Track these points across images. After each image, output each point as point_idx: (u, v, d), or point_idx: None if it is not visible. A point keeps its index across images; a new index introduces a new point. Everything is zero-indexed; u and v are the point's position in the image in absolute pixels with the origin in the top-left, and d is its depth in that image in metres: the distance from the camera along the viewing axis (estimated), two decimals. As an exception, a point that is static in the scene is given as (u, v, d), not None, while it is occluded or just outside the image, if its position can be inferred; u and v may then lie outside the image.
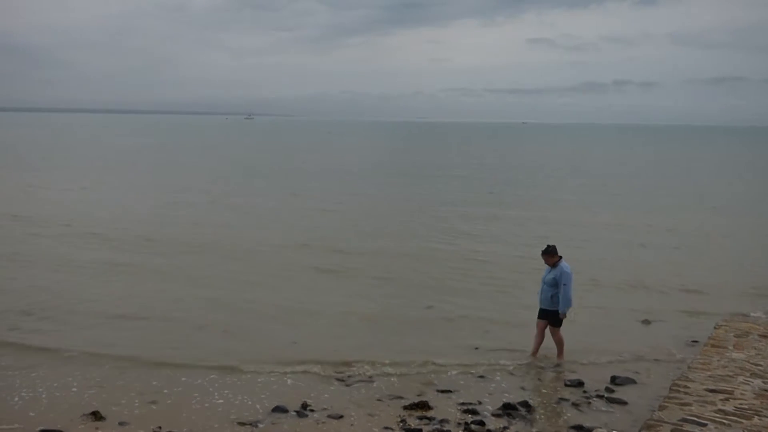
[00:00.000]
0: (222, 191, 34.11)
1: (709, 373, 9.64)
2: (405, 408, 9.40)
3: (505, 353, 11.74)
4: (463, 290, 15.72)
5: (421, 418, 9.11)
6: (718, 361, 10.16)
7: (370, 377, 10.61)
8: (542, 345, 11.60)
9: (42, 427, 8.62)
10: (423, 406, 9.44)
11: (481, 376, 10.72)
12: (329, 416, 9.14)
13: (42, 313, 13.49)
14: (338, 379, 10.51)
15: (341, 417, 9.12)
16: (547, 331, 11.44)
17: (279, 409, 9.27)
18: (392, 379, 10.58)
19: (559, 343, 11.47)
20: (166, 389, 10.04)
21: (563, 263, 11.24)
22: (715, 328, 12.08)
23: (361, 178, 42.44)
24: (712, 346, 10.95)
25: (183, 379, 10.42)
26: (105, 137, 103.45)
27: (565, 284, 11.04)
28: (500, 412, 9.30)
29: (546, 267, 11.45)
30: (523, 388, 10.27)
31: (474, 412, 9.30)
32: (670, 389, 9.09)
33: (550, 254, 11.32)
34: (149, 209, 27.57)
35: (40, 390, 9.87)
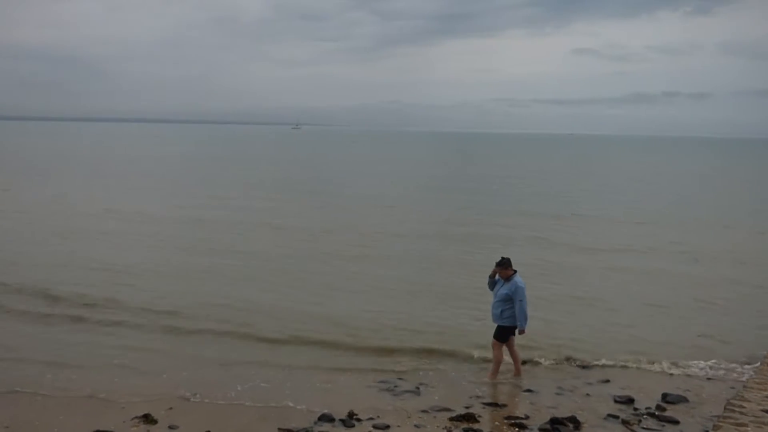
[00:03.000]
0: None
1: (766, 393, 9.34)
2: (451, 420, 9.35)
3: (553, 368, 11.61)
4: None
5: (467, 430, 9.04)
6: (775, 380, 9.86)
7: (416, 388, 10.59)
8: (585, 363, 11.48)
9: (96, 428, 8.84)
10: (469, 418, 9.38)
11: (529, 390, 10.60)
12: (375, 426, 9.13)
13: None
14: (385, 389, 10.53)
15: (387, 427, 9.11)
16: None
17: (325, 417, 9.30)
18: (439, 390, 10.55)
19: (496, 361, 11.03)
20: (212, 393, 10.18)
21: (517, 277, 10.84)
22: (772, 346, 11.75)
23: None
24: (770, 365, 10.65)
25: (228, 387, 10.53)
26: (178, 148, 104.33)
27: (521, 300, 10.66)
28: (548, 426, 9.16)
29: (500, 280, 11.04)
30: (571, 403, 10.11)
31: (521, 426, 9.20)
32: (725, 409, 8.84)
33: (504, 267, 10.90)
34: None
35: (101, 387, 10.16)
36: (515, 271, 10.93)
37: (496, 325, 10.99)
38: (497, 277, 11.09)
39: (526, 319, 10.76)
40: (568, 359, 11.95)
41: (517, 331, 10.91)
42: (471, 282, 16.16)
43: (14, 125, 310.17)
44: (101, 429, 8.81)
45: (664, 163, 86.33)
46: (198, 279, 17.27)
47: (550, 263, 19.47)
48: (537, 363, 11.81)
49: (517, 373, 11.16)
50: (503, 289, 10.86)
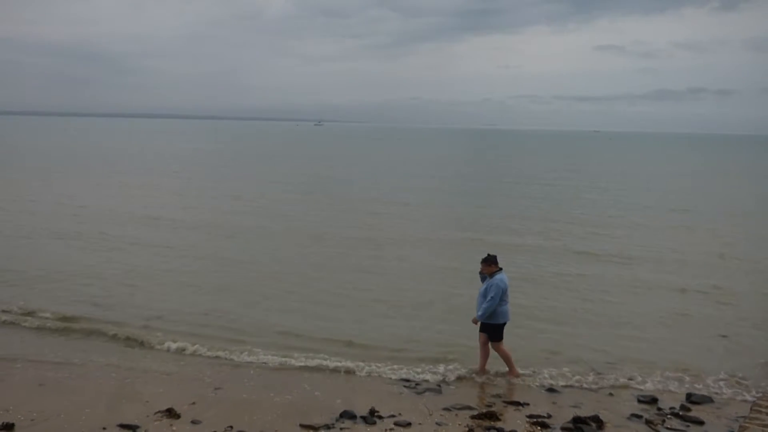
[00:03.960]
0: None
1: (792, 394, 9.23)
2: (473, 418, 9.32)
3: (576, 366, 11.52)
4: (542, 303, 15.47)
5: (489, 428, 9.00)
6: (802, 382, 9.72)
7: (438, 385, 10.59)
8: (609, 362, 11.37)
9: (120, 422, 8.93)
10: (491, 416, 9.34)
11: (551, 389, 10.55)
12: (397, 424, 9.12)
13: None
14: (407, 387, 10.53)
15: (409, 425, 9.10)
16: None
17: (346, 414, 9.31)
18: (461, 388, 10.54)
19: (505, 358, 11.03)
20: (235, 390, 10.24)
21: (499, 275, 10.81)
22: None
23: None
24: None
25: (251, 382, 10.63)
26: (209, 143, 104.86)
27: (492, 297, 10.62)
28: (570, 425, 9.10)
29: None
30: (594, 403, 10.03)
31: (543, 425, 9.14)
32: (751, 410, 8.76)
33: (487, 263, 10.94)
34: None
35: (125, 382, 10.29)
36: (500, 269, 10.93)
37: (484, 325, 10.98)
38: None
39: (485, 314, 10.72)
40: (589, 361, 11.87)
41: (474, 318, 10.94)
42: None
43: (42, 121, 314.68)
44: (125, 423, 8.90)
45: (702, 161, 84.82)
46: (218, 280, 17.37)
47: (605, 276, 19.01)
48: (560, 362, 11.74)
49: (482, 371, 11.09)
50: (484, 285, 10.94)
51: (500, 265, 11.02)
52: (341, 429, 8.96)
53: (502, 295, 10.74)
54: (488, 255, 11.06)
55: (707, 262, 20.06)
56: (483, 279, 11.13)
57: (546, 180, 47.36)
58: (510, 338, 11.47)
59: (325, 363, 11.33)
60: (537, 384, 10.76)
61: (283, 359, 11.49)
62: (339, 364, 11.32)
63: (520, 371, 11.07)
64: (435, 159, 76.42)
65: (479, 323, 10.99)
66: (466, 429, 9.00)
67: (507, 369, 11.08)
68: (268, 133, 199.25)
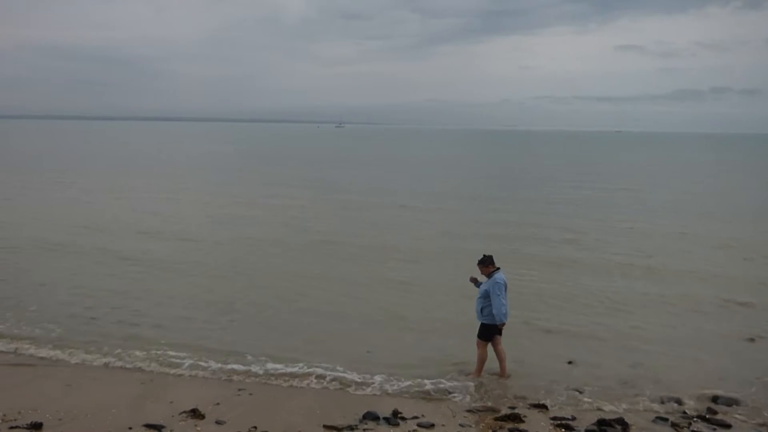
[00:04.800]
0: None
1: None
2: (496, 420, 9.29)
3: (600, 368, 11.45)
4: (562, 303, 15.43)
5: (512, 431, 8.98)
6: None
7: (461, 387, 10.54)
8: (632, 364, 11.30)
9: (145, 422, 9.02)
10: (515, 418, 9.30)
11: (576, 390, 10.48)
12: (420, 425, 9.11)
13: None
14: (430, 388, 10.49)
15: (432, 426, 9.09)
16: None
17: (370, 416, 9.32)
18: (484, 390, 10.49)
19: (480, 359, 10.95)
20: (259, 391, 10.31)
21: (498, 274, 10.75)
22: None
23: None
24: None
25: (275, 383, 10.69)
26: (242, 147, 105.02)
27: (497, 294, 10.53)
28: (595, 428, 9.05)
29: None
30: (618, 405, 9.95)
31: (567, 427, 9.10)
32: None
33: (484, 264, 10.88)
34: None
35: (150, 383, 10.39)
36: (498, 268, 10.88)
37: (481, 324, 10.90)
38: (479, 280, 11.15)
39: (504, 314, 10.62)
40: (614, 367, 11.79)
41: (498, 326, 10.78)
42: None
43: (68, 125, 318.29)
44: (150, 423, 8.98)
45: (735, 162, 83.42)
46: (237, 280, 17.48)
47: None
48: (584, 364, 11.67)
49: (503, 374, 11.00)
50: (484, 286, 10.86)
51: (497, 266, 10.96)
52: (364, 430, 8.97)
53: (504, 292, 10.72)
54: (484, 256, 10.99)
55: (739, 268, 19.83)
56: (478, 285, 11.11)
57: (601, 186, 44.33)
58: (535, 342, 11.40)
59: (345, 373, 11.25)
60: (561, 386, 10.67)
61: (308, 368, 11.35)
62: (361, 365, 11.33)
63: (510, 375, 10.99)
64: (464, 161, 75.41)
65: (480, 324, 10.87)
66: (490, 431, 8.98)
67: (476, 369, 11.01)
68: (293, 135, 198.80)
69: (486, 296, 10.70)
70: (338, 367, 11.24)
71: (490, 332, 10.81)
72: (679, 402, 10.06)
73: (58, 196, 33.88)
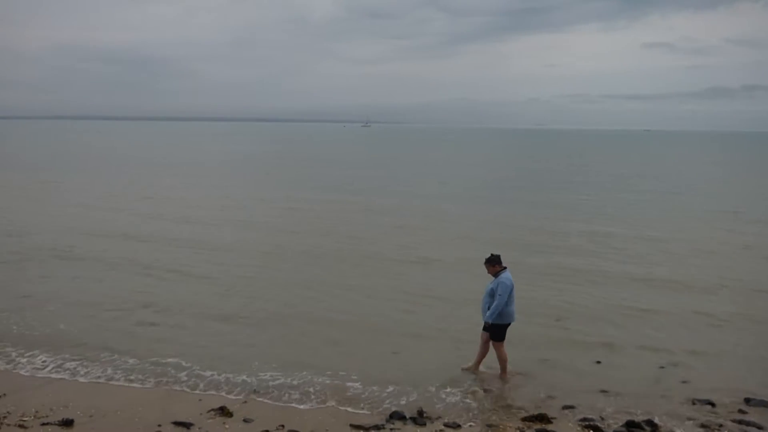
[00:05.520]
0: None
1: None
2: (523, 420, 9.23)
3: (628, 369, 11.33)
4: (591, 306, 15.27)
5: (540, 431, 8.92)
6: None
7: (487, 387, 10.49)
8: (662, 365, 11.06)
9: (174, 419, 9.11)
10: (542, 418, 9.24)
11: (604, 391, 10.37)
12: (446, 425, 9.09)
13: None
14: (455, 388, 10.46)
15: (458, 426, 9.06)
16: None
17: (396, 415, 9.31)
18: (511, 389, 10.45)
19: (501, 360, 10.88)
20: (286, 390, 10.33)
21: (505, 274, 10.69)
22: None
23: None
24: None
25: (301, 382, 10.67)
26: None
27: (500, 294, 10.46)
28: (623, 429, 8.96)
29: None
30: (647, 406, 9.81)
31: (596, 428, 9.00)
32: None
33: (491, 264, 10.83)
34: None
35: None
36: (505, 268, 10.82)
37: (490, 325, 10.77)
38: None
39: (494, 313, 10.51)
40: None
41: (484, 323, 10.72)
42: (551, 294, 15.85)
43: (98, 125, 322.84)
44: (179, 420, 9.07)
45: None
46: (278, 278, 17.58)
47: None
48: (612, 364, 11.56)
49: (504, 375, 10.92)
50: (490, 284, 10.81)
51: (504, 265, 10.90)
52: (391, 429, 8.97)
53: (509, 294, 10.63)
54: (492, 255, 10.96)
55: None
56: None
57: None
58: (563, 343, 11.27)
59: (374, 365, 11.31)
60: (589, 386, 10.56)
61: (334, 363, 11.43)
62: (388, 365, 11.34)
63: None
64: (497, 161, 75.00)
65: (490, 325, 10.74)
66: (517, 430, 8.92)
67: (501, 370, 10.95)
68: (320, 135, 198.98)
69: (492, 295, 10.68)
70: (364, 367, 11.24)
71: (502, 331, 10.78)
72: (710, 403, 9.90)
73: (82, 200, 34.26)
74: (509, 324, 10.78)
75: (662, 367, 11.37)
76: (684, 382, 10.75)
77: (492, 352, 10.98)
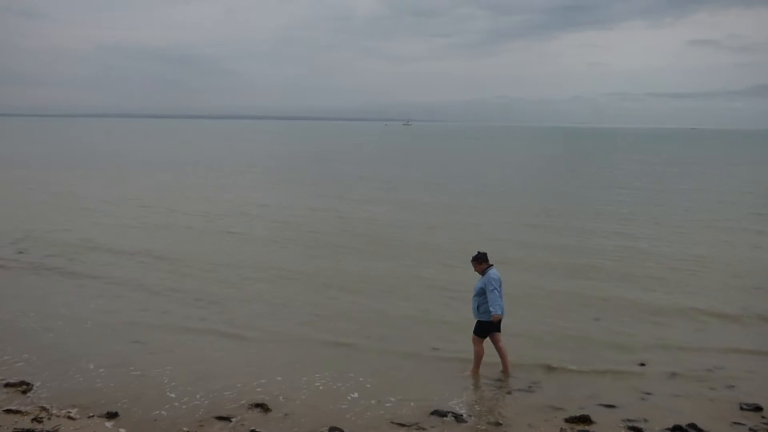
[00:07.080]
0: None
1: None
2: (566, 420, 9.14)
3: (673, 371, 11.11)
4: (635, 305, 15.05)
5: (582, 432, 8.85)
6: None
7: (529, 387, 10.43)
8: (708, 368, 10.95)
9: (216, 414, 9.24)
10: (585, 419, 9.14)
11: (648, 393, 10.21)
12: (488, 423, 9.08)
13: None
14: (497, 387, 10.45)
15: (500, 425, 9.03)
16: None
17: (437, 413, 9.33)
18: (552, 389, 10.34)
19: (477, 356, 10.80)
20: (327, 386, 10.39)
21: (491, 270, 10.62)
22: None
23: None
24: None
25: (341, 377, 10.71)
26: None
27: (492, 289, 10.39)
28: (668, 432, 8.84)
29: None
30: (693, 409, 9.64)
31: (639, 430, 8.89)
32: None
33: (478, 261, 10.76)
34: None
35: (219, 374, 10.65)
36: (491, 265, 10.76)
37: (478, 322, 10.79)
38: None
39: (496, 308, 10.43)
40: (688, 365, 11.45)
41: (492, 319, 10.59)
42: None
43: (146, 123, 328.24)
44: (221, 415, 9.21)
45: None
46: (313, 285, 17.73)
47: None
48: (657, 365, 11.38)
49: (505, 371, 10.86)
50: (479, 283, 10.75)
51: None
52: (432, 427, 8.98)
53: (500, 287, 10.59)
54: (478, 252, 10.93)
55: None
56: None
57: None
58: (607, 344, 11.11)
59: (413, 363, 11.34)
60: (633, 388, 10.41)
61: (376, 362, 11.46)
62: (428, 363, 11.36)
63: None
64: (551, 162, 73.62)
65: (476, 321, 10.78)
66: (559, 431, 8.85)
67: (473, 366, 10.90)
68: (366, 133, 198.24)
69: (482, 293, 10.65)
70: (404, 364, 11.29)
71: (485, 329, 10.74)
72: (758, 408, 9.68)
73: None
74: (493, 319, 10.64)
75: (709, 370, 11.15)
76: (730, 386, 10.52)
77: (494, 352, 10.95)
